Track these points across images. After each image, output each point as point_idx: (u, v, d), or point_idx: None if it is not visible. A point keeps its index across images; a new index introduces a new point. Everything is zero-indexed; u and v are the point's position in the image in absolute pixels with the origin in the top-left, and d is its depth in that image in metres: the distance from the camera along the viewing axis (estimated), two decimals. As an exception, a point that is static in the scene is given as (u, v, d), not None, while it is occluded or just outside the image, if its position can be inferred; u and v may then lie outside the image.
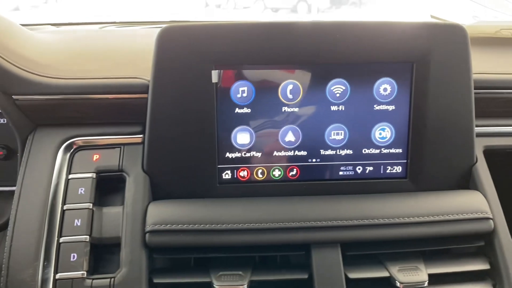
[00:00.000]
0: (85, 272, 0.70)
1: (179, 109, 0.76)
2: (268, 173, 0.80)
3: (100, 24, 1.40)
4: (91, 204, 0.75)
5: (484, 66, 0.89)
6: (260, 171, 0.80)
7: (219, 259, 0.75)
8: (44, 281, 0.70)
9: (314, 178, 0.81)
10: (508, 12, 1.25)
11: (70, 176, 0.77)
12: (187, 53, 0.74)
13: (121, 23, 1.40)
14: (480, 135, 0.84)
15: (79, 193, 0.76)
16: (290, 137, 0.79)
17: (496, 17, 1.24)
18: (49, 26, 1.27)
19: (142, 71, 0.81)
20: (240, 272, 0.73)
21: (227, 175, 0.80)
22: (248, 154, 0.79)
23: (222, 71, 0.76)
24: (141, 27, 1.30)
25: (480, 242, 0.78)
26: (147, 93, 0.77)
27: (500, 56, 1.02)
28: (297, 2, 8.32)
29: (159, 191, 0.78)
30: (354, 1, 8.21)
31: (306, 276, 0.73)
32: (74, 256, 0.71)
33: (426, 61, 0.76)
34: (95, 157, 0.79)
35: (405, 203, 0.77)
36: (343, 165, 0.81)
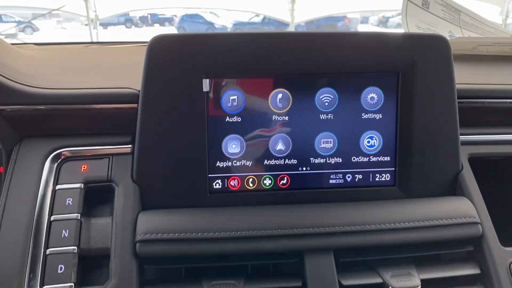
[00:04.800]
0: (73, 284, 0.68)
1: (169, 118, 0.76)
2: (259, 182, 0.80)
3: (84, 43, 1.40)
4: (79, 215, 0.73)
5: (465, 78, 0.92)
6: (250, 180, 0.80)
7: (211, 269, 0.74)
8: None
9: (305, 187, 0.81)
10: (484, 34, 1.31)
11: (57, 187, 0.76)
12: (178, 62, 0.75)
13: (106, 43, 1.41)
14: (465, 143, 0.87)
15: (67, 203, 0.74)
16: (280, 145, 0.80)
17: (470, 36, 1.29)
18: (33, 45, 1.27)
19: (132, 82, 0.81)
20: (233, 281, 0.72)
21: (217, 184, 0.79)
22: (238, 163, 0.79)
23: (213, 80, 0.76)
24: (127, 45, 1.31)
25: (470, 247, 0.79)
26: (137, 102, 0.77)
27: (479, 70, 1.06)
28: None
29: (149, 201, 0.77)
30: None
31: (300, 284, 0.73)
32: (61, 267, 0.69)
33: (411, 70, 0.79)
34: (83, 167, 0.78)
35: (395, 210, 0.78)
36: (333, 173, 0.81)
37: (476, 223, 0.78)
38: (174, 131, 0.76)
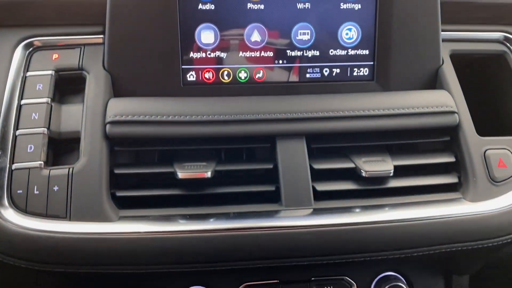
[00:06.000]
0: (42, 163, 0.68)
1: (139, 4, 0.74)
2: (234, 75, 0.79)
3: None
4: (49, 99, 0.72)
5: None
6: (226, 72, 0.79)
7: (183, 154, 0.73)
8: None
9: (281, 81, 0.80)
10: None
11: (28, 74, 0.75)
12: None
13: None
14: (447, 39, 0.84)
15: (37, 89, 0.73)
16: (256, 36, 0.78)
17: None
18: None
19: None
20: (204, 163, 0.71)
21: (191, 76, 0.78)
22: (213, 55, 0.78)
23: (184, -37, 0.74)
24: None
25: (446, 137, 0.78)
26: None
27: None
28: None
29: (120, 90, 0.76)
30: None
31: (271, 166, 0.72)
32: (31, 147, 0.68)
33: None
34: (54, 56, 0.77)
35: (371, 99, 0.77)
36: (310, 67, 0.80)
37: (453, 112, 0.76)
38: (144, 18, 0.74)
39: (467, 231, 0.71)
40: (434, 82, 0.82)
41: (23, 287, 0.78)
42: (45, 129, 0.70)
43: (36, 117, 0.71)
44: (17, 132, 0.70)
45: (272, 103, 0.74)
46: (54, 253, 0.64)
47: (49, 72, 0.75)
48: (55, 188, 0.66)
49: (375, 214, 0.70)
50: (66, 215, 0.65)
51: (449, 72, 0.81)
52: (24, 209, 0.65)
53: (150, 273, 0.68)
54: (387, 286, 0.76)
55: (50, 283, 0.76)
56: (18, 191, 0.66)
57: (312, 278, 0.76)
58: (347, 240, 0.69)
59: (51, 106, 0.72)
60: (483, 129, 0.79)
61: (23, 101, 0.72)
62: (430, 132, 0.77)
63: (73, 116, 0.73)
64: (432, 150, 0.79)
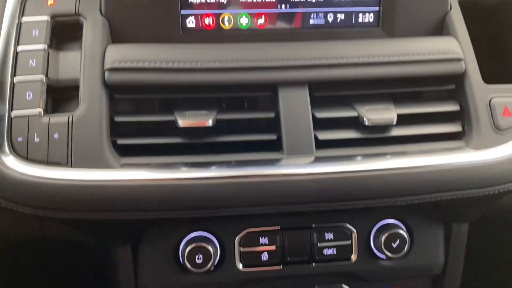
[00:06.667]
0: (41, 110, 0.67)
1: None
2: (235, 20, 0.77)
3: None
4: (46, 46, 0.71)
5: None
6: (226, 18, 0.76)
7: (184, 103, 0.73)
8: None
9: (283, 27, 0.77)
10: None
11: (23, 19, 0.72)
12: None
13: None
14: None
15: (33, 35, 0.71)
16: (257, -21, 0.75)
17: None
18: None
19: None
20: (205, 112, 0.70)
21: (191, 22, 0.76)
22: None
23: None
24: None
25: (451, 85, 0.76)
26: None
27: None
28: None
29: (118, 36, 0.74)
30: None
31: (272, 115, 0.72)
32: (29, 94, 0.68)
33: None
34: (50, 2, 0.74)
35: (376, 45, 0.75)
36: (313, 12, 0.77)
37: (459, 59, 0.74)
38: None
39: (469, 179, 0.71)
40: (441, 28, 0.79)
41: (30, 233, 0.79)
42: (43, 76, 0.69)
43: (34, 64, 0.69)
44: (15, 79, 0.68)
45: (274, 50, 0.73)
46: (56, 200, 0.65)
47: (45, 17, 0.72)
48: (55, 135, 0.66)
49: (376, 162, 0.70)
50: (67, 163, 0.65)
51: (457, 18, 0.78)
52: (25, 157, 0.65)
53: (152, 219, 0.69)
54: (387, 233, 0.76)
55: (55, 229, 0.77)
56: (19, 139, 0.66)
57: (313, 225, 0.77)
58: (348, 187, 0.69)
59: (48, 53, 0.71)
60: (490, 78, 0.77)
61: (19, 48, 0.70)
62: (436, 80, 0.76)
63: (71, 63, 0.71)
64: (437, 99, 0.78)
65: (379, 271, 0.80)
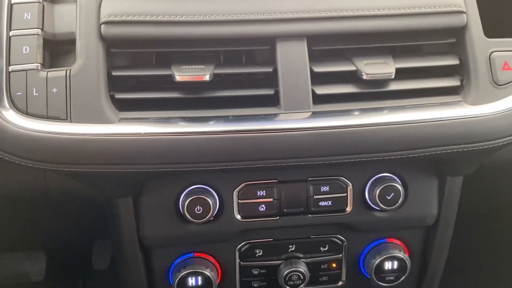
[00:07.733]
0: (39, 64, 0.67)
1: None
2: None
3: None
4: None
5: None
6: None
7: (181, 58, 0.72)
8: None
9: None
10: None
11: None
12: None
13: None
14: None
15: None
16: None
17: None
18: None
19: None
20: (203, 66, 0.70)
21: None
22: None
23: None
24: None
25: (452, 39, 0.75)
26: None
27: None
28: None
29: None
30: None
31: (270, 69, 0.71)
32: (26, 48, 0.67)
33: None
34: None
35: None
36: None
37: (461, 12, 0.73)
38: None
39: (465, 133, 0.72)
40: None
41: (33, 186, 0.82)
42: (39, 30, 0.68)
43: (29, 17, 0.68)
44: (11, 33, 0.68)
45: (272, 2, 0.71)
46: (57, 154, 0.66)
47: None
48: (54, 90, 0.66)
49: (374, 116, 0.71)
50: (66, 117, 0.66)
51: None
52: (24, 111, 0.66)
53: (151, 172, 0.71)
54: (382, 186, 0.78)
55: (59, 181, 0.79)
56: (18, 93, 0.66)
57: (309, 178, 0.78)
58: (344, 142, 0.70)
59: (43, 5, 0.70)
60: (491, 31, 0.76)
61: (13, 0, 0.69)
62: (436, 34, 0.74)
63: (67, 17, 0.70)
64: (436, 53, 0.77)
65: (373, 222, 0.82)
